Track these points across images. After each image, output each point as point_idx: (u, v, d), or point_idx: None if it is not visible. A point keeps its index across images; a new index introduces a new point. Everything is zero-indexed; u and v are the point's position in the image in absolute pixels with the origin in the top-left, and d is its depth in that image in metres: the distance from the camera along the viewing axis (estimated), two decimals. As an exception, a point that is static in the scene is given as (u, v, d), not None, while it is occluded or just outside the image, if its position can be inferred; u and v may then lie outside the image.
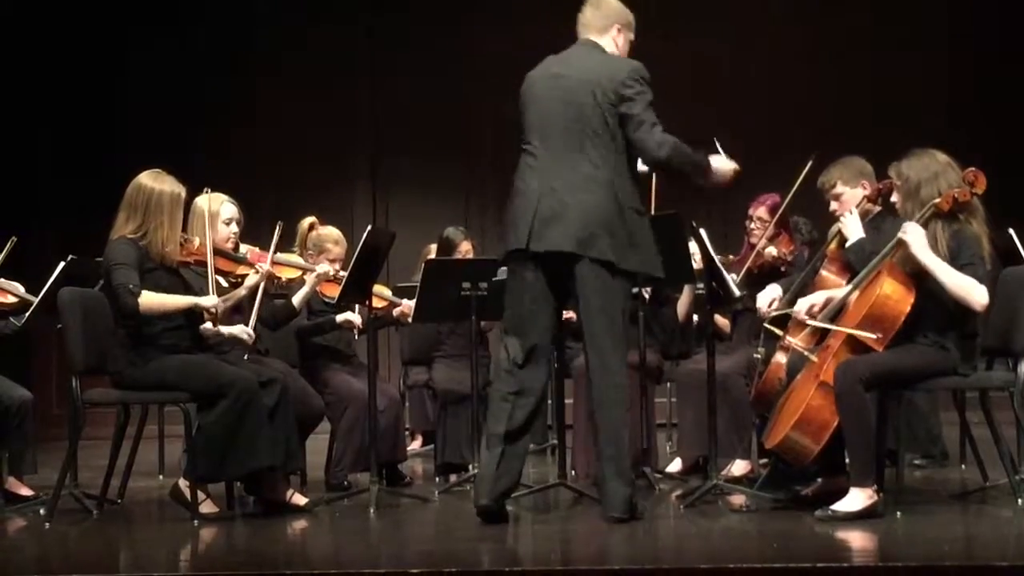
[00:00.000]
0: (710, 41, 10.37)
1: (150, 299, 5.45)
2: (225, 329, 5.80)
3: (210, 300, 5.59)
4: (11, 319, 6.46)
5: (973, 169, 5.21)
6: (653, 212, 6.30)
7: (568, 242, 5.12)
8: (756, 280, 6.46)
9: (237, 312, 5.98)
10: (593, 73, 5.24)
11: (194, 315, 5.66)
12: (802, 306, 5.50)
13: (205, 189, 5.88)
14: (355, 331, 6.66)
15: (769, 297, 5.86)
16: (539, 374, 5.30)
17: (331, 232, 6.69)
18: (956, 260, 5.11)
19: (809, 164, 6.15)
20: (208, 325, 5.72)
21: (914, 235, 5.13)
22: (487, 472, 5.18)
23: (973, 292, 5.07)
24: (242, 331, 5.83)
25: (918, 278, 5.18)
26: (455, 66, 10.36)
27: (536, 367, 5.26)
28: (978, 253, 5.12)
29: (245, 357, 5.87)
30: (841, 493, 5.11)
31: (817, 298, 5.51)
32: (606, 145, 5.19)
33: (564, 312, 5.64)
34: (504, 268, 5.52)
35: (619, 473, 5.12)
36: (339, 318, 6.55)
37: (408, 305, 6.63)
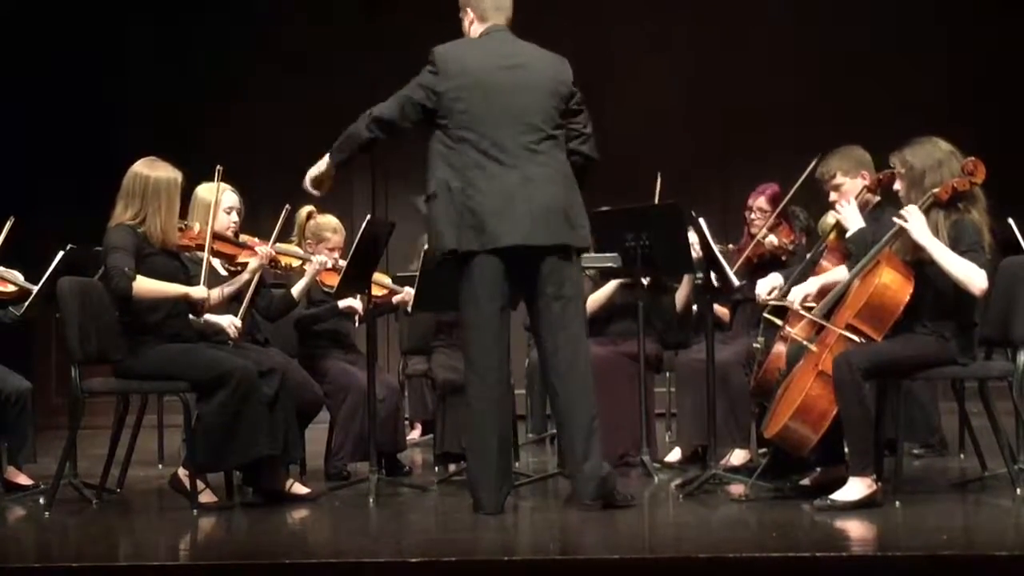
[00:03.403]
0: (706, 36, 10.38)
1: (143, 284, 5.44)
2: (212, 318, 5.81)
3: (199, 291, 5.58)
4: (10, 308, 6.46)
5: (972, 159, 5.21)
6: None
7: (564, 235, 5.14)
8: (755, 269, 6.47)
9: (235, 300, 5.97)
10: (548, 69, 5.28)
11: (192, 303, 5.67)
12: (796, 295, 5.50)
13: (217, 168, 5.83)
14: (356, 317, 6.65)
15: (768, 285, 5.86)
16: (508, 376, 5.30)
17: (329, 220, 6.69)
18: (956, 248, 5.11)
19: (814, 163, 6.13)
20: (205, 316, 5.74)
21: (914, 219, 5.12)
22: (489, 483, 5.16)
23: (972, 276, 5.06)
24: (229, 322, 5.83)
25: (917, 267, 5.18)
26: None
27: (506, 370, 5.27)
28: (978, 241, 5.12)
29: (228, 344, 5.85)
30: (840, 482, 5.11)
31: (810, 286, 5.51)
32: (555, 139, 5.24)
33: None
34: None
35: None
36: (341, 304, 6.54)
37: (408, 292, 6.63)
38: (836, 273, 5.55)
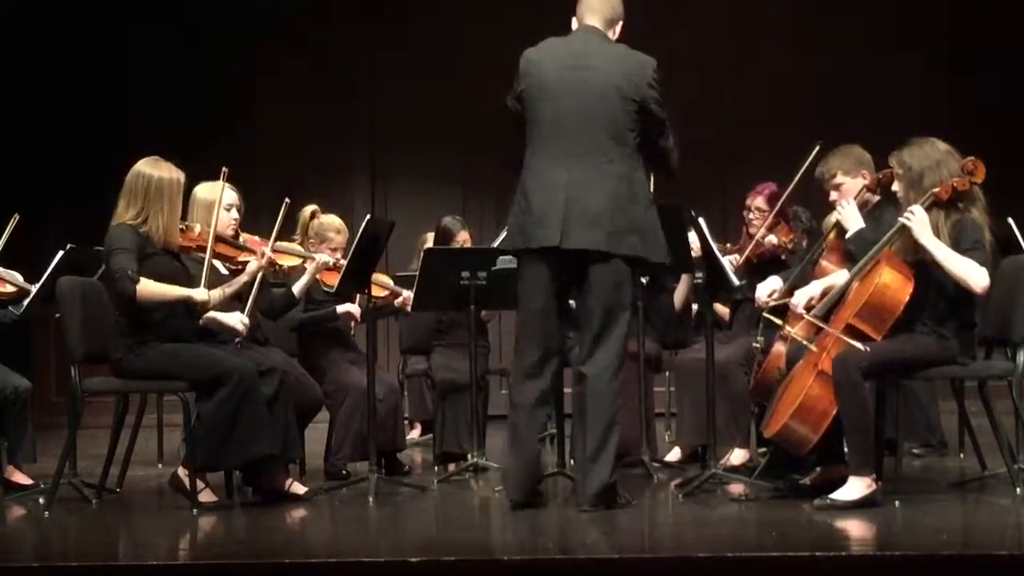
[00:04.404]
0: (706, 35, 10.39)
1: (147, 287, 5.44)
2: (220, 316, 5.80)
3: (201, 294, 5.57)
4: (10, 308, 6.46)
5: (972, 158, 5.21)
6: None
7: (601, 240, 5.13)
8: (755, 269, 6.47)
9: (238, 299, 5.97)
10: (617, 70, 5.21)
11: (193, 306, 5.66)
12: (800, 299, 5.51)
13: (222, 169, 5.82)
14: (352, 324, 6.66)
15: (768, 288, 5.87)
16: (554, 377, 5.34)
17: (333, 221, 6.68)
18: (958, 247, 5.11)
19: (816, 151, 6.11)
20: (209, 313, 5.74)
21: (918, 218, 5.13)
22: (517, 474, 5.25)
23: (974, 274, 5.07)
24: (237, 320, 5.82)
25: (917, 267, 5.18)
26: (454, 59, 10.37)
27: (552, 369, 5.31)
28: (980, 240, 5.13)
29: (238, 344, 5.85)
30: (840, 482, 5.11)
31: (814, 289, 5.52)
32: (625, 141, 5.20)
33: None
34: (505, 259, 5.55)
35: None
36: (339, 309, 6.56)
37: (409, 295, 6.63)
38: (839, 276, 5.54)
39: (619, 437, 5.22)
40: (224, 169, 5.79)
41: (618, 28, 5.41)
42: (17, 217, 6.64)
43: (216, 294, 5.80)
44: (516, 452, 5.26)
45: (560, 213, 5.12)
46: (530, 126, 5.25)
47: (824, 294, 5.48)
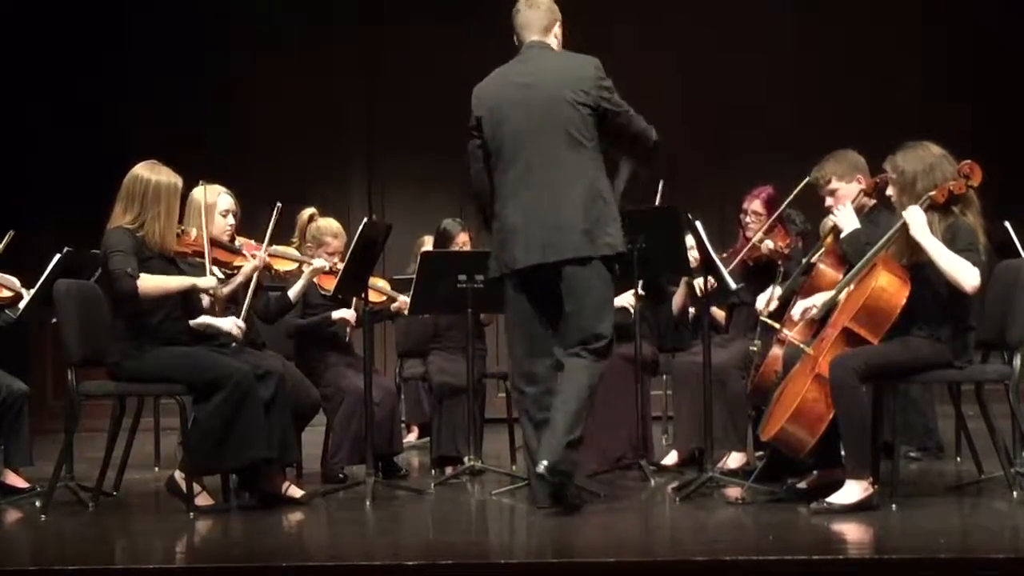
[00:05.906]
0: (701, 35, 10.38)
1: (148, 281, 5.43)
2: (215, 321, 5.80)
3: (207, 281, 5.58)
4: (7, 311, 6.46)
5: (969, 162, 5.22)
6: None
7: (572, 247, 5.21)
8: (751, 272, 6.47)
9: (232, 302, 5.96)
10: (561, 78, 5.31)
11: (191, 306, 5.66)
12: (798, 310, 5.52)
13: (200, 181, 5.85)
14: (348, 329, 6.65)
15: (766, 298, 5.89)
16: (543, 385, 5.37)
17: (330, 224, 6.68)
18: (952, 249, 5.11)
19: (805, 181, 6.15)
20: (202, 318, 5.72)
21: (915, 216, 5.13)
22: (532, 479, 5.33)
23: (965, 274, 5.07)
24: (232, 324, 5.81)
25: (913, 271, 5.18)
26: (452, 62, 10.34)
27: (541, 380, 5.36)
28: (973, 242, 5.13)
29: (233, 346, 5.86)
30: (837, 485, 5.12)
31: (816, 301, 5.51)
32: (583, 145, 5.27)
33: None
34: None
35: None
36: (335, 315, 6.56)
37: (405, 300, 6.63)
38: (840, 286, 5.55)
39: (584, 426, 5.25)
40: (201, 182, 5.82)
41: (556, 29, 5.48)
42: (12, 233, 6.62)
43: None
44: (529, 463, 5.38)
45: (531, 231, 5.24)
46: (494, 155, 5.36)
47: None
